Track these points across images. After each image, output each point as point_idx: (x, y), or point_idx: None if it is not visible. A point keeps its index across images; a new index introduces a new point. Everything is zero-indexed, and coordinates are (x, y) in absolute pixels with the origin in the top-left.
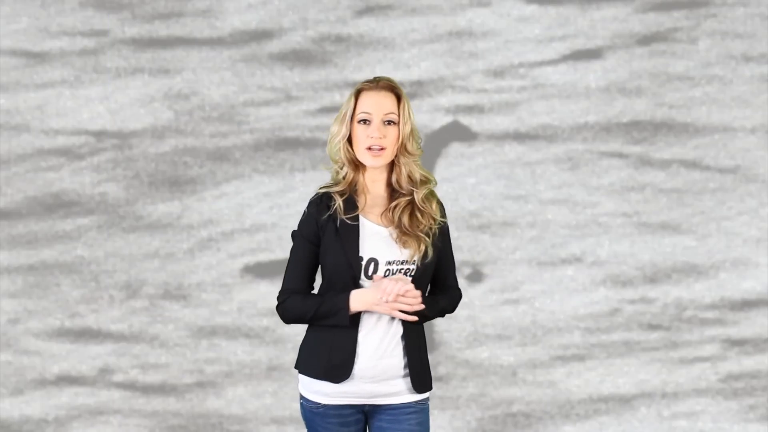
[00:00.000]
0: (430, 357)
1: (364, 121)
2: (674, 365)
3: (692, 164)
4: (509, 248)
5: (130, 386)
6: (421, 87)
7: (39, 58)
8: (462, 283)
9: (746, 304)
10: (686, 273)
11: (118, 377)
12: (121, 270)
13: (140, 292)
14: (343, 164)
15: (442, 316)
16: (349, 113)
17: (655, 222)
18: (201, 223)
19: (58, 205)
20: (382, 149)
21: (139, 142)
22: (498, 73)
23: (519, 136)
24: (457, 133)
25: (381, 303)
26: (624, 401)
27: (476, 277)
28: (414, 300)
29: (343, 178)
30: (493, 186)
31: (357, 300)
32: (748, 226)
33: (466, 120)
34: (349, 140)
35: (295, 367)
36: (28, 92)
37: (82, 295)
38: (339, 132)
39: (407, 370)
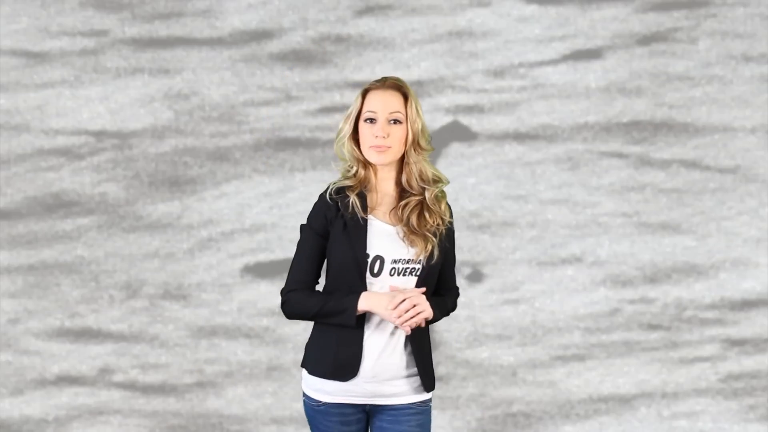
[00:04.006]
0: None
1: (370, 120)
2: (674, 365)
3: (692, 164)
4: (509, 248)
5: (130, 386)
6: (421, 87)
7: (39, 58)
8: (462, 283)
9: (746, 304)
10: (686, 273)
11: (118, 377)
12: (121, 270)
13: (140, 292)
14: (352, 163)
15: (447, 315)
16: (355, 112)
17: (655, 222)
18: (201, 223)
19: (58, 205)
20: (386, 147)
21: (139, 142)
22: (498, 73)
23: (519, 136)
24: (457, 133)
25: (390, 314)
26: (624, 401)
27: (476, 277)
28: (418, 318)
29: (354, 175)
30: (493, 186)
31: (366, 303)
32: (748, 226)
33: (466, 120)
34: (357, 140)
35: (302, 366)
36: (28, 92)
37: (82, 295)
38: (343, 130)
39: (410, 371)
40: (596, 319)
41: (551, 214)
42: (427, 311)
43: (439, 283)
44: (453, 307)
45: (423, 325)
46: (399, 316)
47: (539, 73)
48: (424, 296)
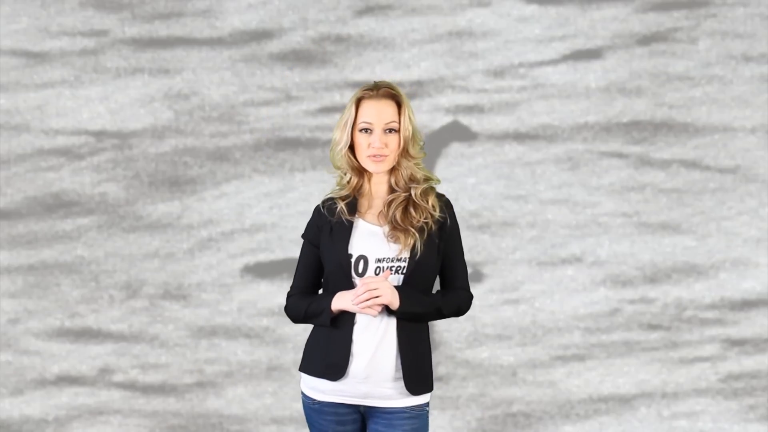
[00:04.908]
0: None
1: (366, 130)
2: (674, 365)
3: (692, 164)
4: (509, 248)
5: (130, 386)
6: (421, 87)
7: (39, 58)
8: None
9: (746, 304)
10: (686, 273)
11: (118, 377)
12: (121, 270)
13: (140, 292)
14: (347, 171)
15: (443, 317)
16: (350, 121)
17: (655, 222)
18: (201, 223)
19: (58, 205)
20: (384, 156)
21: (139, 142)
22: (498, 73)
23: (519, 136)
24: (457, 133)
25: (353, 304)
26: (624, 401)
27: (476, 277)
28: (374, 302)
29: (347, 182)
30: (493, 186)
31: (337, 302)
32: (748, 226)
33: (466, 120)
34: (351, 147)
35: (299, 368)
36: (28, 92)
37: (82, 295)
38: (340, 140)
39: (400, 373)
40: (596, 319)
41: (551, 214)
42: (386, 296)
43: (444, 285)
44: (452, 308)
45: (379, 310)
46: (357, 300)
47: (539, 73)
48: (386, 282)
